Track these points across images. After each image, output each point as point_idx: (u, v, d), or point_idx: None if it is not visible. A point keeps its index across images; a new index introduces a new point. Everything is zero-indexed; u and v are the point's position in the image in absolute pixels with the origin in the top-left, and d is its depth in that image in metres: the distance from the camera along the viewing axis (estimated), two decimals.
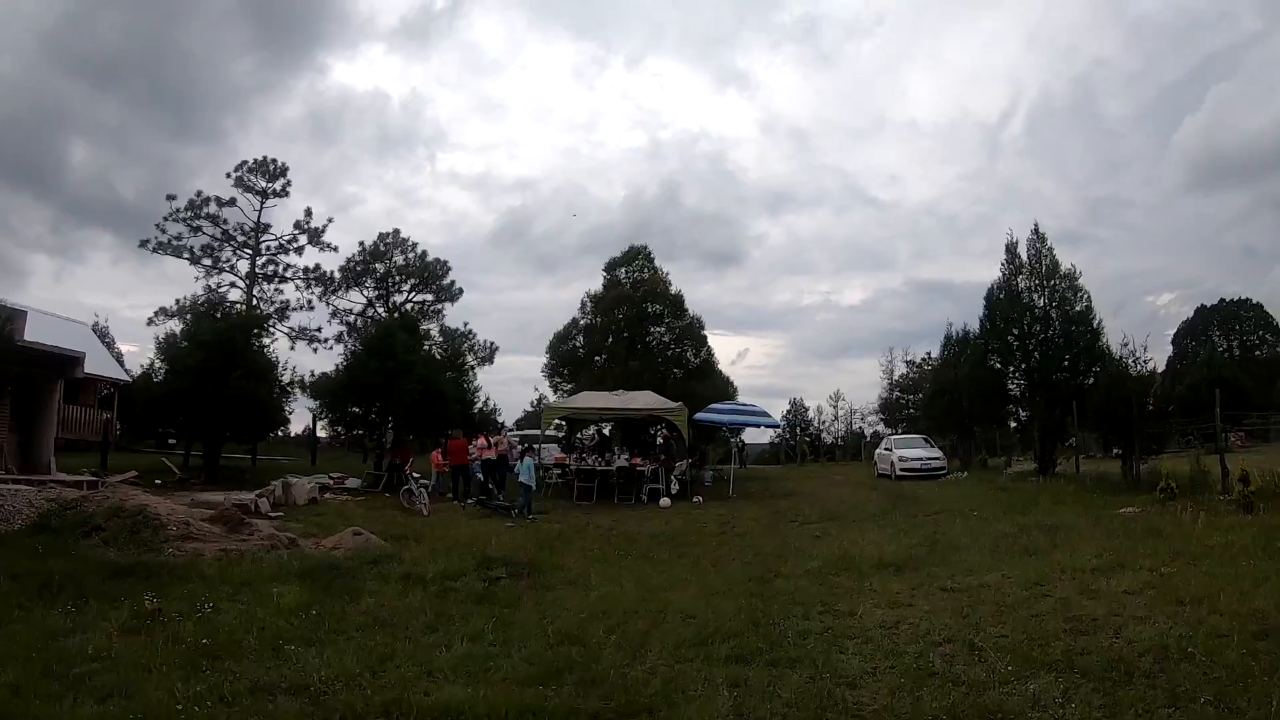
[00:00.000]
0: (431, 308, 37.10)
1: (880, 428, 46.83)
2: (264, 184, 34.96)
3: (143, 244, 32.76)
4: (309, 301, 35.54)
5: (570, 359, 28.82)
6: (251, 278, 34.97)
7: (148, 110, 64.07)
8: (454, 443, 17.07)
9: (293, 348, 36.20)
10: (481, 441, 16.98)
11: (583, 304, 30.14)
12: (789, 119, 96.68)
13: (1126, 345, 17.92)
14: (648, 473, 16.80)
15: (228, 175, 34.51)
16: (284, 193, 35.33)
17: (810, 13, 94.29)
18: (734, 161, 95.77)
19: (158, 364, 18.85)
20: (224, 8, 67.01)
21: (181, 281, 63.82)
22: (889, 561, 7.98)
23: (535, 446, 17.94)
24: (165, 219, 32.93)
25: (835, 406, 51.54)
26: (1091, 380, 18.95)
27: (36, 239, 65.78)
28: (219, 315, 19.11)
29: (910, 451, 24.50)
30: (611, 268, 29.71)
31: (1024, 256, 21.91)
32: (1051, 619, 5.54)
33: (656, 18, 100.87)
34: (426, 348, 24.58)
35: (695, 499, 16.11)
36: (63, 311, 26.83)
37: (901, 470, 23.50)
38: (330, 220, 36.10)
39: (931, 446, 25.76)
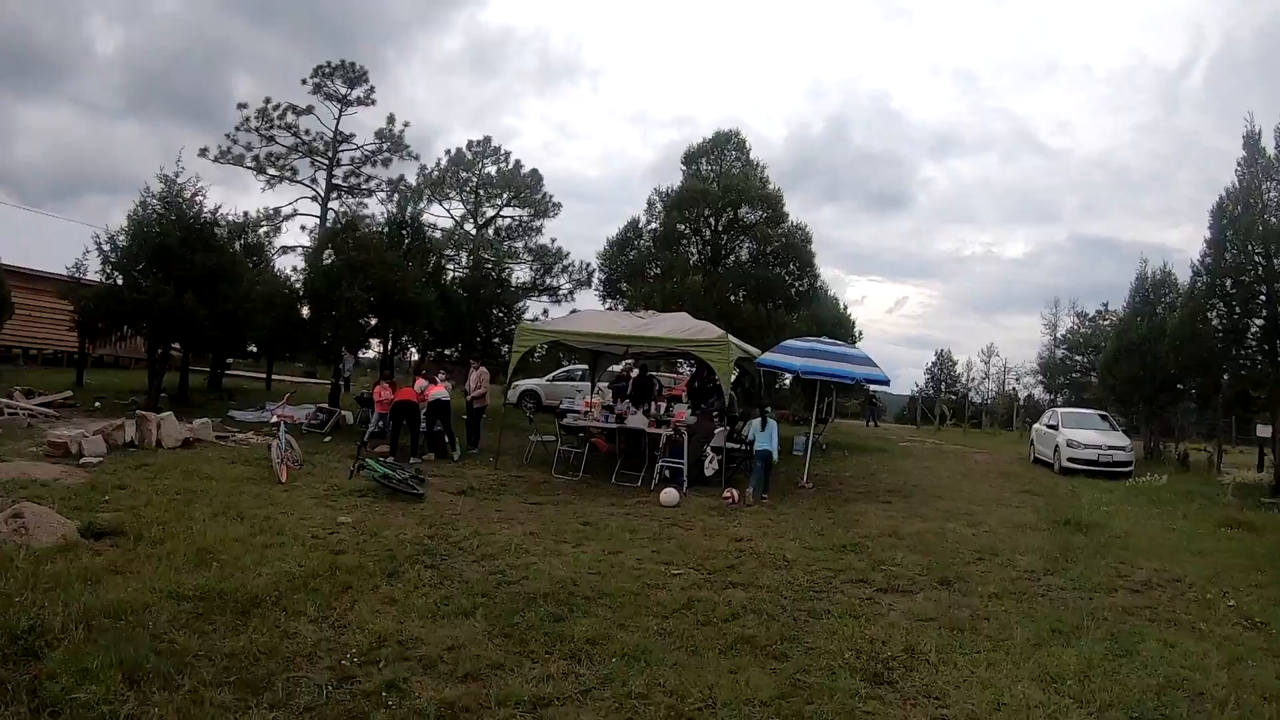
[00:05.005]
0: (529, 224, 31.99)
1: (1038, 391, 39.41)
2: (344, 90, 31.41)
3: (201, 153, 29.69)
4: (390, 215, 31.82)
5: (630, 272, 22.65)
6: (329, 190, 31.92)
7: (308, 43, 64.10)
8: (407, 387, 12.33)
9: None
10: (420, 382, 12.15)
11: (650, 203, 23.72)
12: (957, 59, 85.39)
13: None
14: (661, 441, 10.82)
15: (303, 81, 30.99)
16: (368, 100, 31.67)
17: None
18: (899, 101, 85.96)
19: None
20: None
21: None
22: None
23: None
24: (236, 128, 30.18)
25: (987, 362, 45.95)
26: None
27: (202, 170, 67.12)
28: (172, 210, 14.79)
29: (1084, 434, 17.11)
30: (691, 159, 22.86)
31: (1271, 153, 14.11)
32: None
33: None
34: (439, 253, 19.24)
35: (725, 495, 9.90)
36: None
37: (1069, 460, 16.38)
38: (407, 124, 32.01)
39: (1113, 429, 18.19)
